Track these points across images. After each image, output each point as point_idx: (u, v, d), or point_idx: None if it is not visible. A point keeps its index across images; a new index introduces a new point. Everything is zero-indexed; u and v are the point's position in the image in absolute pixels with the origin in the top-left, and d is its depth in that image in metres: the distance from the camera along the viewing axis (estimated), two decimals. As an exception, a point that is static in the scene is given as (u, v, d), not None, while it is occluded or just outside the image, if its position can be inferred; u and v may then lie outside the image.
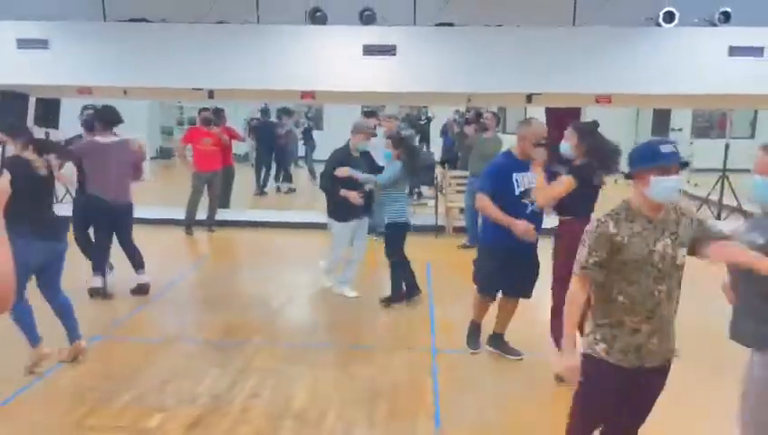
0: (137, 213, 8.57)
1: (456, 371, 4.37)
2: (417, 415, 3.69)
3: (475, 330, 4.70)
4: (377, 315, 5.45)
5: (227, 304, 5.70)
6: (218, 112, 9.41)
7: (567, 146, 4.14)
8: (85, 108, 5.91)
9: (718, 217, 9.75)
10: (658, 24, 7.44)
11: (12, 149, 4.07)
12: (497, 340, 4.63)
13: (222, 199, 9.25)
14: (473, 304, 4.68)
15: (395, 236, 5.63)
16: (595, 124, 4.30)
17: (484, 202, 4.28)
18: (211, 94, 8.56)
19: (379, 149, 8.57)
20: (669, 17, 7.41)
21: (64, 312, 4.25)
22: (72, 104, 8.72)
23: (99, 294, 5.63)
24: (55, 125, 9.51)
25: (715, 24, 7.48)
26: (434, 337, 4.98)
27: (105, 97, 9.07)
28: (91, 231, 5.88)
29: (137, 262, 5.83)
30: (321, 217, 9.07)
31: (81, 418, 3.58)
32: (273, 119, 12.92)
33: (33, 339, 4.10)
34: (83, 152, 5.61)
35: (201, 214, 8.80)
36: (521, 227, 4.14)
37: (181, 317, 5.46)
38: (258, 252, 8.06)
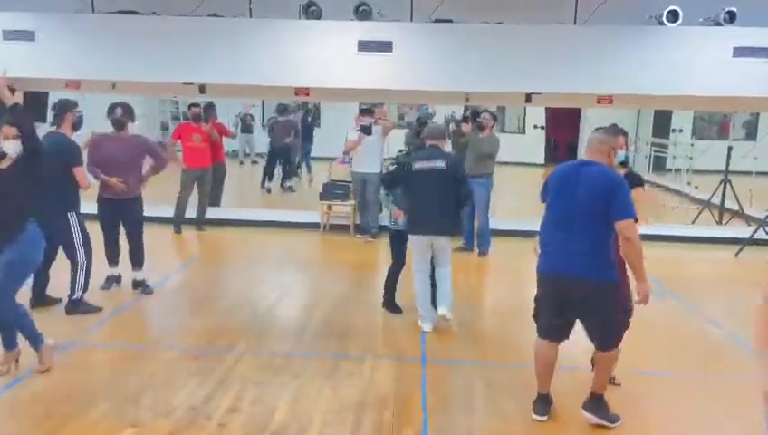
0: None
1: (447, 382, 4.18)
2: (403, 431, 3.49)
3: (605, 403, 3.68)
4: (367, 321, 5.25)
5: (213, 307, 5.51)
6: (209, 108, 9.19)
7: (623, 154, 3.93)
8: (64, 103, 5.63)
9: (720, 222, 9.56)
10: (662, 23, 7.25)
11: None
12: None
13: (213, 197, 9.05)
14: (607, 368, 3.65)
15: None
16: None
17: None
18: (202, 89, 8.36)
19: (376, 146, 8.43)
20: (673, 16, 7.21)
21: None
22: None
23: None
24: (43, 119, 9.30)
25: (720, 24, 7.29)
26: (424, 345, 4.78)
27: (94, 91, 8.89)
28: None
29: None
30: (315, 216, 8.98)
31: (50, 432, 3.38)
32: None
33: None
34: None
35: (191, 212, 8.61)
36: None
37: (163, 322, 5.27)
38: (249, 252, 7.86)
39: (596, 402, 3.64)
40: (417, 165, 4.99)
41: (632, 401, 3.92)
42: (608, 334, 3.54)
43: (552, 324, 3.61)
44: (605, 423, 3.59)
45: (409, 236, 5.11)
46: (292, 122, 12.06)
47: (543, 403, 3.70)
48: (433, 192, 4.92)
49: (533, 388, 4.05)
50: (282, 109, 11.98)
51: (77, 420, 3.50)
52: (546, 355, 3.67)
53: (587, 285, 3.41)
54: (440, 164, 4.95)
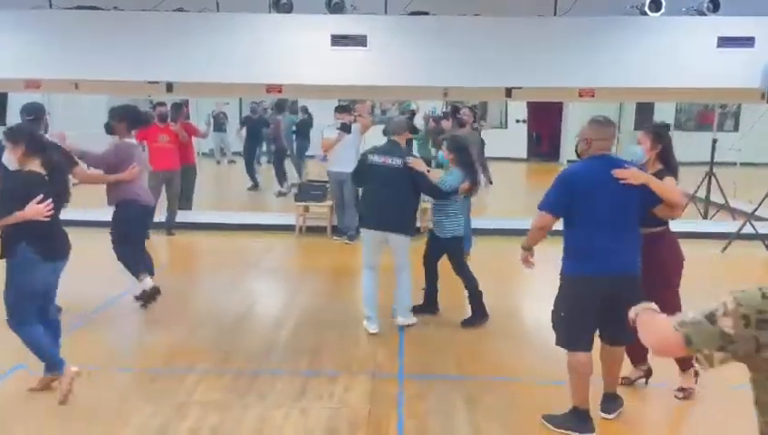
0: (91, 215, 8.11)
1: (425, 401, 3.88)
2: (377, 460, 3.21)
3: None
4: (341, 333, 4.95)
5: (177, 321, 5.16)
6: (177, 107, 8.81)
7: (640, 150, 3.72)
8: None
9: (705, 216, 9.39)
10: (644, 14, 7.02)
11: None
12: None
13: (183, 200, 8.69)
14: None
15: (460, 250, 5.27)
16: (666, 127, 3.95)
17: None
18: (170, 88, 8.00)
19: (353, 145, 8.12)
20: (655, 6, 6.99)
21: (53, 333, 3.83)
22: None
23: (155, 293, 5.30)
24: (2, 121, 8.90)
25: (703, 14, 7.09)
26: (402, 358, 4.50)
27: (55, 91, 8.49)
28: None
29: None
30: (291, 218, 8.64)
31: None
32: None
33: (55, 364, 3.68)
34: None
35: (161, 216, 8.24)
36: None
37: (122, 339, 4.92)
38: (220, 258, 7.52)
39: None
40: (374, 159, 4.90)
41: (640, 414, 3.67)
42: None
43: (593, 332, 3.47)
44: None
45: (361, 230, 5.08)
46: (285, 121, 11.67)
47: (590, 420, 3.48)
48: (387, 188, 4.84)
49: (517, 406, 3.82)
50: (280, 107, 11.59)
51: (16, 457, 3.17)
52: (590, 368, 3.45)
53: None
54: (396, 162, 4.86)
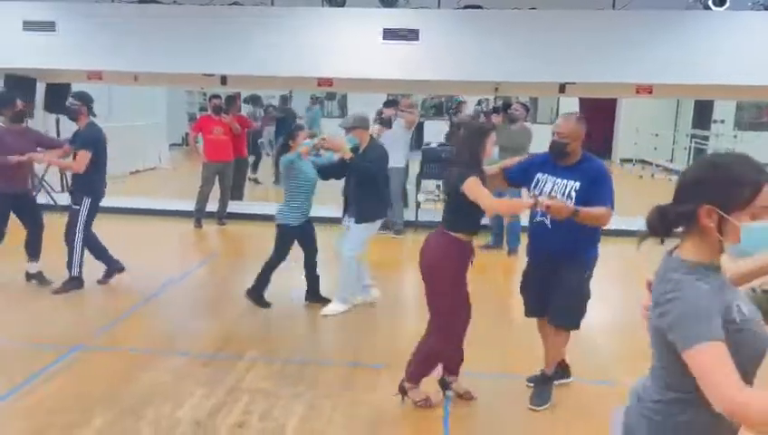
0: (150, 204, 8.39)
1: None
2: (422, 453, 3.22)
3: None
4: (388, 325, 4.98)
5: (228, 308, 5.28)
6: (230, 100, 8.98)
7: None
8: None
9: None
10: (707, 8, 6.80)
11: None
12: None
13: (235, 191, 8.86)
14: (562, 346, 3.77)
15: None
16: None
17: None
18: (224, 80, 8.17)
19: (399, 140, 8.09)
20: (720, 0, 6.75)
21: None
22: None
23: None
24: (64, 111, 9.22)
25: (770, 8, 6.82)
26: (448, 354, 4.47)
27: (115, 83, 8.76)
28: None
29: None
30: (339, 211, 8.68)
31: (45, 446, 3.19)
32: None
33: None
34: None
35: (213, 206, 8.43)
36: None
37: (175, 324, 5.04)
38: (269, 248, 7.58)
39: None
40: None
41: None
42: None
43: None
44: None
45: (371, 223, 5.27)
46: (252, 114, 11.70)
47: None
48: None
49: (563, 404, 3.78)
50: (253, 99, 11.69)
51: (72, 435, 3.29)
52: None
53: None
54: None
